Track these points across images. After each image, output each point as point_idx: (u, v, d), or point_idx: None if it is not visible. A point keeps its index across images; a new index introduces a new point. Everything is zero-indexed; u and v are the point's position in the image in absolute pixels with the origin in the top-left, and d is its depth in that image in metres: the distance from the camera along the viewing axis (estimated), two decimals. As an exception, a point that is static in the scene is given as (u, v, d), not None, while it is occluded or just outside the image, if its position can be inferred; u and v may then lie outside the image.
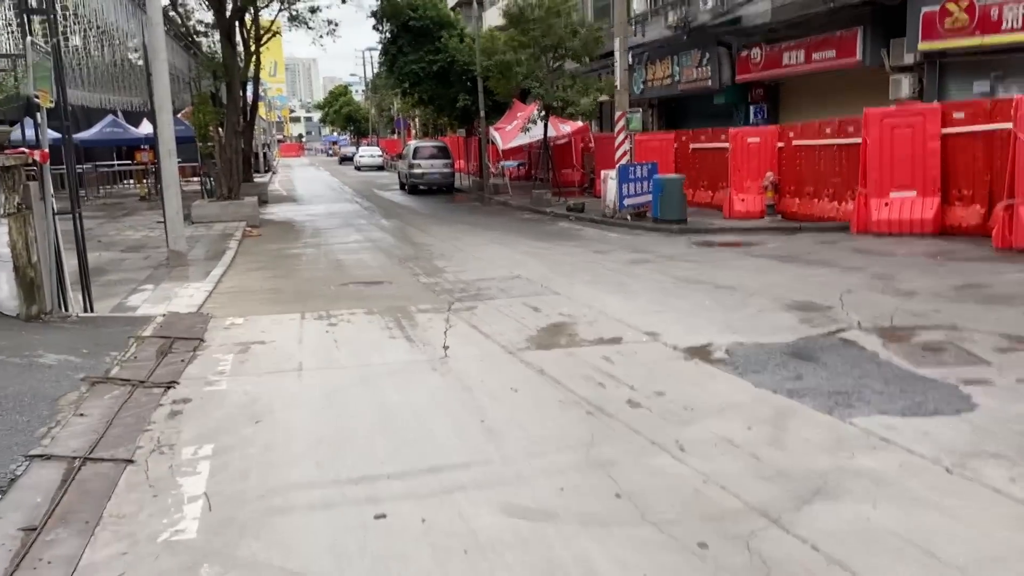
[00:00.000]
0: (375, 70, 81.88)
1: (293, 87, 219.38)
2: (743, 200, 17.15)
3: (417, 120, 56.98)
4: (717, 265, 11.50)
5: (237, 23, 24.23)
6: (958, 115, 12.94)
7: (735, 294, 9.32)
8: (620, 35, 18.35)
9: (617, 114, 18.51)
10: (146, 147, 30.88)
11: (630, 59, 29.25)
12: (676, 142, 20.74)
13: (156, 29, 12.55)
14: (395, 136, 68.14)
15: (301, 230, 19.41)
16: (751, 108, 23.49)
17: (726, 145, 18.37)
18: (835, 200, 14.87)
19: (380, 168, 54.30)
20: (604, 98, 22.29)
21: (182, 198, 12.97)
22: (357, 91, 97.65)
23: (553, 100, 22.19)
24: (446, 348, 7.43)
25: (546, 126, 23.75)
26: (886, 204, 13.03)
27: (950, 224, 12.99)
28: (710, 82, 24.45)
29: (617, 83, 18.38)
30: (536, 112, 24.08)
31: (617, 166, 17.75)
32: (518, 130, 26.42)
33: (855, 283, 9.56)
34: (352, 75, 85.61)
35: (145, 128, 32.38)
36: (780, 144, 16.94)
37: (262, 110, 67.70)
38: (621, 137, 18.43)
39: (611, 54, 27.28)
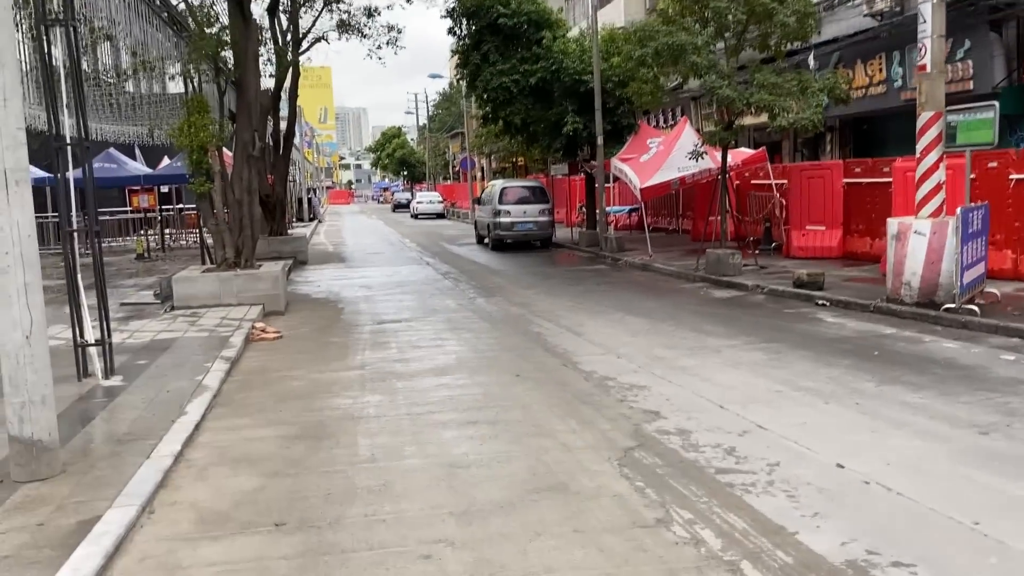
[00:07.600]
0: (428, 113, 75.50)
1: (343, 135, 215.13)
2: None
3: (490, 158, 48.96)
4: None
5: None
6: None
7: None
8: (933, -26, 9.93)
9: (923, 118, 10.05)
10: (147, 186, 23.22)
11: (812, 60, 20.85)
12: (978, 168, 12.17)
13: None
14: (455, 181, 60.53)
15: (353, 325, 11.15)
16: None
17: None
18: None
19: (440, 216, 46.91)
20: (821, 105, 13.90)
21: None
22: (412, 138, 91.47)
23: (747, 105, 13.80)
24: None
25: (725, 151, 15.36)
26: None
27: None
28: (972, 84, 15.96)
29: (927, 63, 9.95)
30: (700, 133, 15.80)
31: (958, 210, 9.21)
32: (662, 160, 18.13)
33: None
34: (408, 112, 79.17)
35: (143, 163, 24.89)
36: None
37: (309, 155, 60.57)
38: (932, 158, 9.97)
39: (813, 46, 18.86)
